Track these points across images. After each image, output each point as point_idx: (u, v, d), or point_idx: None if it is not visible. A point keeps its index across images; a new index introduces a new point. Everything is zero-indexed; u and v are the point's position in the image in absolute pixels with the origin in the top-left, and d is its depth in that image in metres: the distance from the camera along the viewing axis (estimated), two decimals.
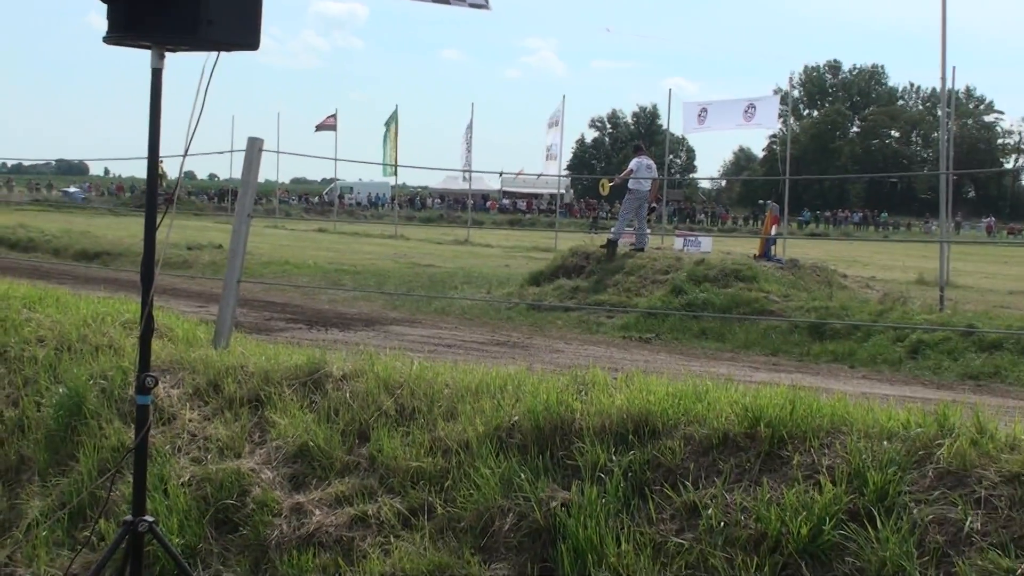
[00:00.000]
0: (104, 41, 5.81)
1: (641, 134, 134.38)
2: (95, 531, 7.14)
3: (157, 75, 5.90)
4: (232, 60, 5.99)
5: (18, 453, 8.17)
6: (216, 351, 8.74)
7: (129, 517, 6.13)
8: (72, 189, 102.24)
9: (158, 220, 6.07)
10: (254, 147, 9.42)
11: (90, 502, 7.40)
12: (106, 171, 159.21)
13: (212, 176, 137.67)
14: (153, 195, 6.06)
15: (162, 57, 5.86)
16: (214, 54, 5.94)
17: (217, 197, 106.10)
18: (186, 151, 6.22)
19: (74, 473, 7.70)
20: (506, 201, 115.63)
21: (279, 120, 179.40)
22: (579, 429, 6.57)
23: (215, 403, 7.98)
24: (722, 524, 5.66)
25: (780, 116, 45.48)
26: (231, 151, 25.44)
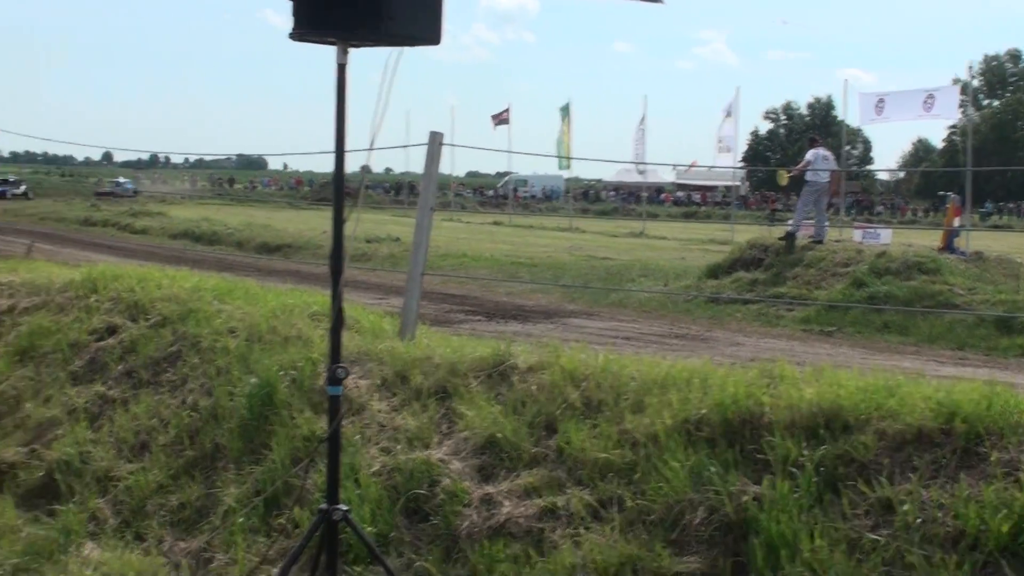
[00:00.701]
0: (290, 37, 5.93)
1: (816, 125, 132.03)
2: (289, 519, 7.29)
3: (342, 70, 6.00)
4: (406, 55, 6.06)
5: (213, 441, 8.37)
6: (403, 343, 8.85)
7: (324, 505, 6.25)
8: (121, 180, 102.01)
9: (345, 214, 6.15)
10: (435, 141, 9.50)
11: (284, 490, 7.55)
12: (284, 166, 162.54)
13: (387, 170, 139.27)
14: (340, 190, 6.17)
15: (346, 52, 5.95)
16: (397, 49, 6.02)
17: (394, 191, 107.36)
18: (371, 145, 6.31)
19: (267, 461, 7.86)
20: (680, 194, 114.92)
21: (453, 114, 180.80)
22: (768, 423, 6.50)
23: (403, 394, 8.07)
24: (919, 521, 5.55)
25: (960, 106, 44.23)
26: (406, 145, 25.73)
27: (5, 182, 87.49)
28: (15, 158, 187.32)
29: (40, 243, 22.64)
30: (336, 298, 6.10)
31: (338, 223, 6.09)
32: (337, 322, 6.18)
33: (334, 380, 6.18)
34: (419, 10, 5.84)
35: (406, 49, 6.00)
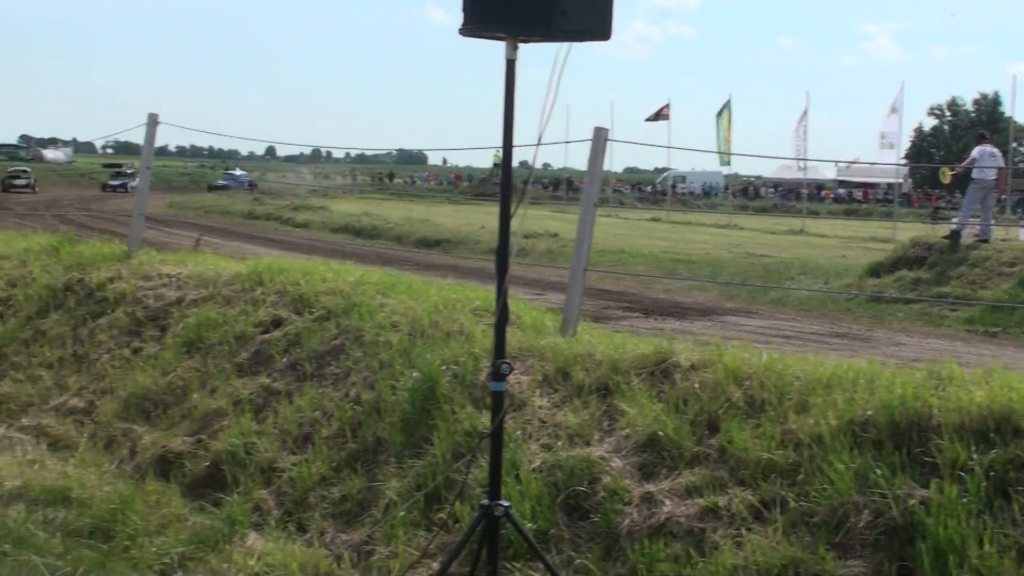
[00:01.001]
0: (460, 33, 5.95)
1: (982, 122, 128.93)
2: (450, 513, 7.31)
3: (511, 66, 6.00)
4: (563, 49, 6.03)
5: (375, 435, 8.43)
6: (564, 339, 8.82)
7: (485, 501, 6.25)
8: (237, 172, 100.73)
9: (512, 209, 6.14)
10: (600, 137, 9.45)
11: (445, 485, 7.57)
12: (444, 160, 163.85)
13: (546, 165, 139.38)
14: (508, 186, 6.15)
15: (516, 48, 5.96)
16: (566, 45, 6.00)
17: (552, 186, 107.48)
18: (539, 141, 6.28)
19: (429, 456, 7.89)
20: (841, 190, 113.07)
21: (612, 109, 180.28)
22: (936, 425, 6.36)
23: (564, 391, 8.05)
24: None
25: None
26: (572, 141, 25.78)
27: (121, 174, 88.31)
28: (181, 152, 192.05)
29: (205, 236, 23.08)
30: (501, 294, 6.11)
31: (505, 219, 6.09)
32: (502, 318, 6.18)
33: (498, 376, 6.17)
34: (590, 5, 5.82)
35: (574, 45, 5.97)
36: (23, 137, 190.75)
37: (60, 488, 8.93)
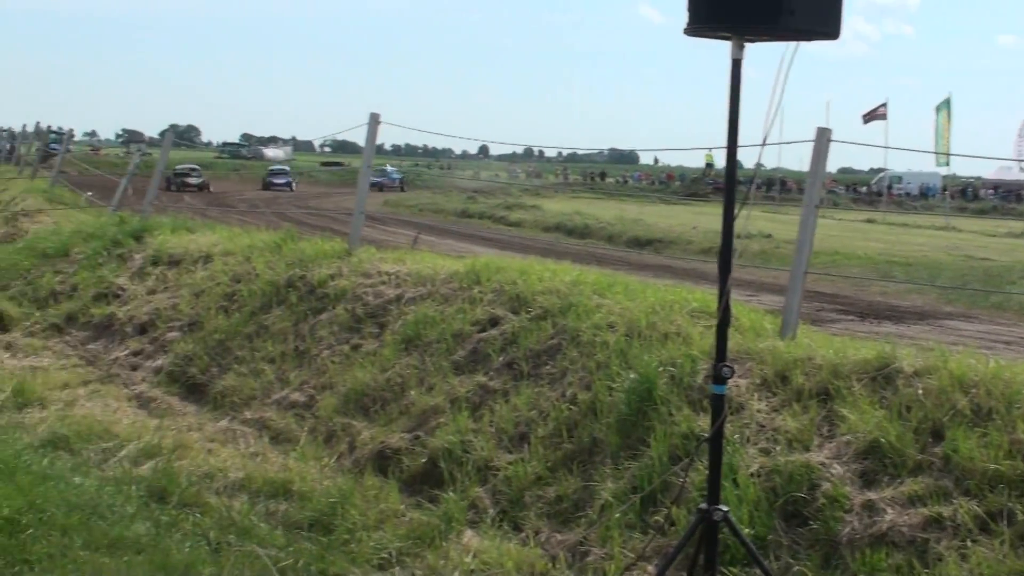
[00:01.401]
0: (684, 32, 5.92)
1: None
2: (666, 516, 7.26)
3: (737, 65, 5.94)
4: (776, 47, 5.93)
5: (591, 435, 8.41)
6: (783, 342, 8.68)
7: (704, 505, 6.19)
8: (389, 169, 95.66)
9: (736, 211, 6.05)
10: (823, 138, 9.28)
11: (661, 487, 7.52)
12: (655, 160, 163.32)
13: (759, 166, 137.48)
14: (732, 187, 6.07)
15: (742, 48, 5.89)
16: (792, 44, 5.90)
17: (765, 186, 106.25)
18: (764, 141, 6.20)
19: (645, 458, 7.85)
20: None
21: (828, 109, 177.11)
22: None
23: (783, 395, 7.92)
24: None
25: None
26: (795, 141, 25.39)
27: (283, 172, 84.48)
28: (396, 151, 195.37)
29: (420, 234, 23.46)
30: (723, 295, 6.03)
31: (728, 220, 6.00)
32: (724, 320, 6.11)
33: (719, 379, 6.09)
34: (818, 3, 5.70)
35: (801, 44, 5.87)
36: (244, 135, 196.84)
37: (281, 481, 9.13)
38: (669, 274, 23.78)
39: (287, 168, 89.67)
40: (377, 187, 73.73)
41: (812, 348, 8.39)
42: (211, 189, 72.51)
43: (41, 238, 20.55)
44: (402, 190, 76.99)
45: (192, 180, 73.10)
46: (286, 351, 11.91)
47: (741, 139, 6.05)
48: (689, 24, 5.81)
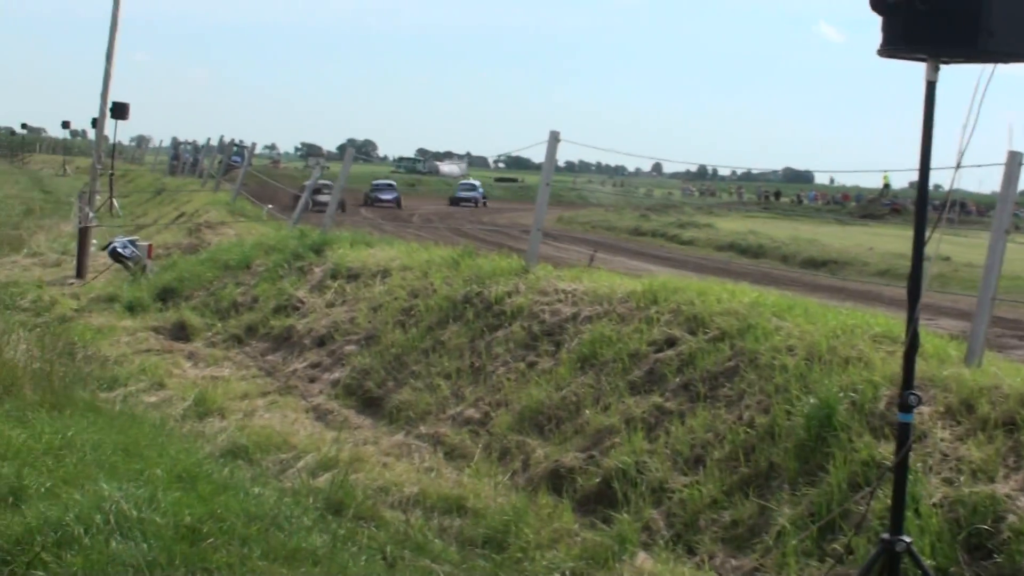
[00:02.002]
0: (878, 54, 5.84)
1: None
2: (844, 545, 7.11)
3: (931, 88, 5.84)
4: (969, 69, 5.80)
5: (768, 460, 8.29)
6: (968, 369, 8.45)
7: (886, 535, 6.06)
8: (474, 182, 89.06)
9: (927, 234, 5.92)
10: (1014, 161, 9.03)
11: (840, 515, 7.37)
12: (831, 180, 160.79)
13: (936, 187, 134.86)
14: (924, 210, 5.93)
15: (937, 69, 5.78)
16: (989, 66, 5.76)
17: (945, 207, 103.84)
18: (958, 164, 6.05)
19: (823, 484, 7.71)
20: None
21: (1010, 131, 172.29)
22: None
23: (968, 423, 7.71)
24: None
25: None
26: (983, 164, 24.64)
27: (472, 186, 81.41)
28: (570, 168, 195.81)
29: (591, 251, 23.47)
30: (912, 321, 5.88)
31: (919, 244, 5.86)
32: (912, 346, 5.97)
33: (905, 407, 5.95)
34: (1019, 24, 5.55)
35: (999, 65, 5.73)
36: (420, 151, 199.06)
37: (456, 497, 9.19)
38: (843, 296, 23.40)
39: (476, 183, 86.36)
40: (471, 202, 73.75)
41: (999, 376, 8.15)
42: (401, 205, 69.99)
43: (223, 250, 21.03)
44: (484, 205, 74.29)
45: (385, 197, 70.71)
46: (462, 367, 11.98)
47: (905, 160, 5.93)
48: (883, 45, 5.72)
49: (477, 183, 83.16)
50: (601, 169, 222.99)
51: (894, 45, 5.69)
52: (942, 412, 7.91)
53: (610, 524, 8.43)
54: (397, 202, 70.24)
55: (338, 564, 7.47)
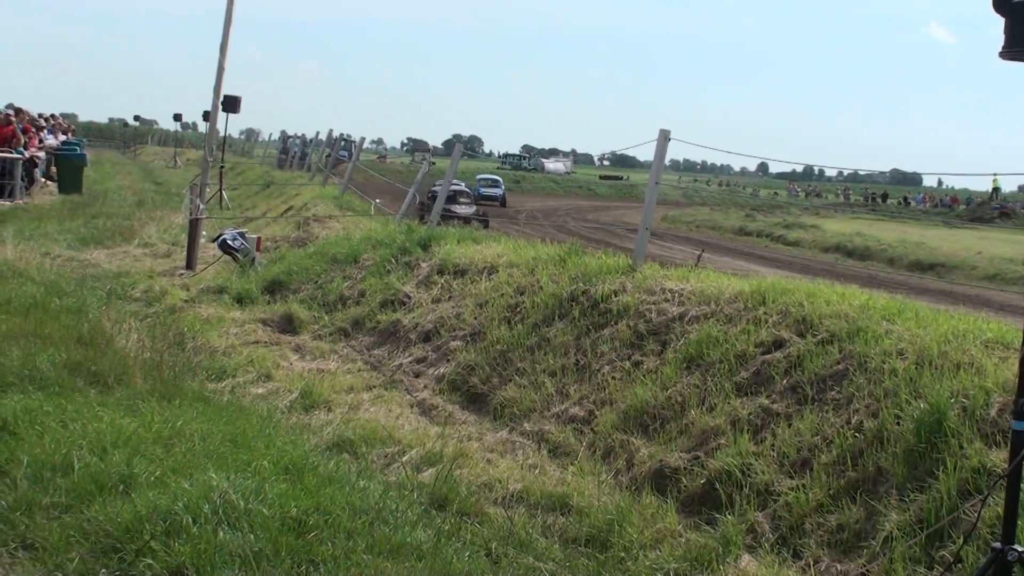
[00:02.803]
0: (1000, 56, 5.74)
1: None
2: (953, 553, 7.01)
3: None
4: None
5: (876, 464, 8.19)
6: None
7: (997, 544, 5.98)
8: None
9: None
10: None
11: (949, 522, 7.27)
12: (939, 182, 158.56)
13: None
14: None
15: None
16: None
17: None
18: None
19: (932, 491, 7.59)
20: None
21: None
22: None
23: None
24: None
25: None
26: None
27: (489, 182, 71.64)
28: (675, 166, 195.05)
29: (695, 251, 23.32)
30: None
31: None
32: None
33: (1020, 414, 5.86)
34: None
35: None
36: (525, 147, 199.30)
37: (559, 495, 9.19)
38: (951, 300, 23.06)
39: (499, 179, 76.73)
40: (496, 201, 65.12)
41: None
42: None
43: (331, 243, 21.22)
44: (503, 205, 65.34)
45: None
46: (567, 365, 11.98)
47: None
48: (1005, 47, 5.63)
49: (499, 179, 76.33)
50: (706, 168, 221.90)
51: (1018, 47, 5.60)
52: None
53: (714, 526, 8.38)
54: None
55: (442, 559, 7.49)
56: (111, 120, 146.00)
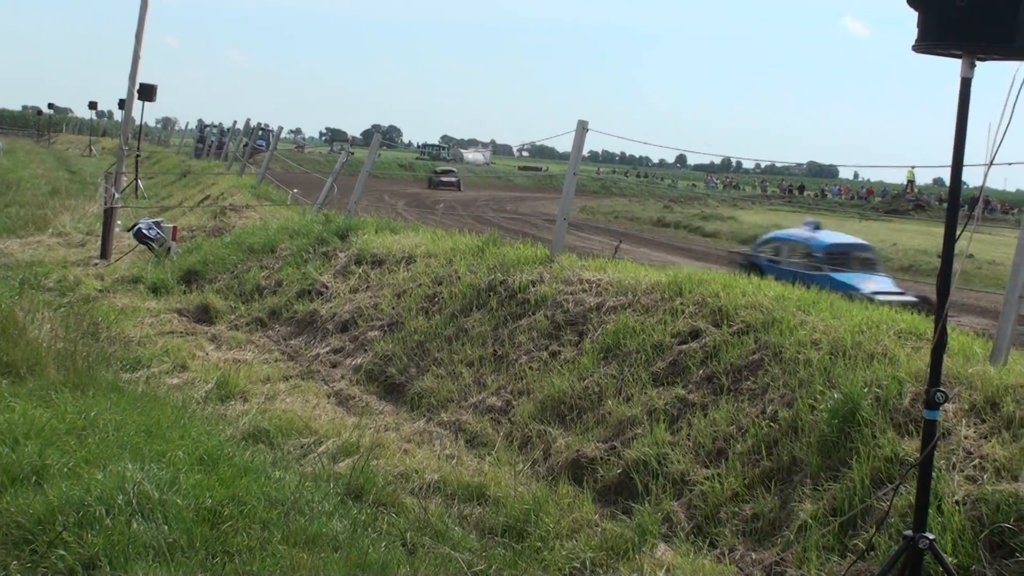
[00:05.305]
0: (913, 49, 5.83)
1: None
2: (866, 541, 7.09)
3: (966, 84, 5.82)
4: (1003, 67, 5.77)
5: (790, 454, 8.27)
6: (994, 367, 8.40)
7: (909, 532, 6.05)
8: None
9: (957, 232, 5.89)
10: None
11: (862, 511, 7.35)
12: (855, 175, 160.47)
13: (983, 188, 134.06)
14: (955, 207, 5.90)
15: (973, 66, 5.77)
16: None
17: (967, 206, 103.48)
18: (990, 162, 6.00)
19: (846, 480, 7.67)
20: None
21: None
22: None
23: (992, 422, 7.67)
24: None
25: None
26: (1009, 163, 24.47)
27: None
28: (593, 157, 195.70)
29: (614, 242, 23.41)
30: (941, 318, 5.86)
31: (949, 241, 5.84)
32: (940, 343, 5.94)
33: (932, 404, 5.93)
34: None
35: None
36: (444, 137, 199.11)
37: (476, 485, 9.19)
38: None
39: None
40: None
41: None
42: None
43: (248, 233, 21.06)
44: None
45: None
46: (484, 355, 11.97)
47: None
48: (918, 41, 5.70)
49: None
50: (625, 159, 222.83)
51: (930, 41, 5.68)
52: (967, 410, 7.86)
53: (631, 515, 8.41)
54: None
55: (358, 550, 7.47)
56: (24, 107, 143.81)
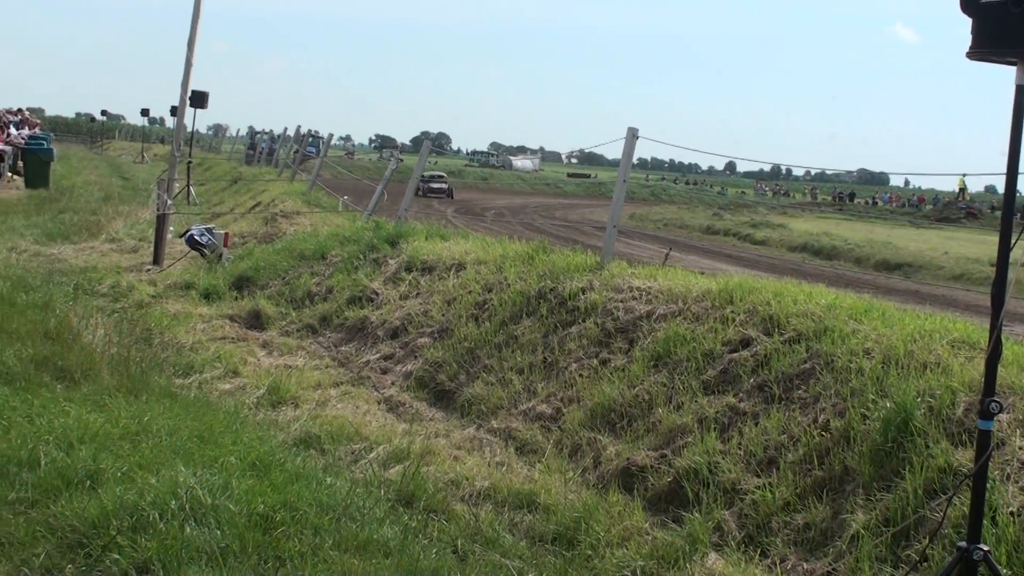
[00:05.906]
0: (967, 56, 5.78)
1: None
2: (919, 552, 7.04)
3: (1021, 92, 5.73)
4: None
5: (842, 463, 8.22)
6: None
7: (963, 543, 6.01)
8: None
9: (1012, 240, 5.84)
10: None
11: (915, 522, 7.30)
12: (906, 182, 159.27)
13: (988, 188, 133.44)
14: (1010, 214, 5.85)
15: None
16: None
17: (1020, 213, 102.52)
18: None
19: (899, 490, 7.62)
20: None
21: None
22: None
23: None
24: None
25: None
26: None
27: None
28: (642, 165, 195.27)
29: (663, 249, 23.33)
30: (995, 328, 5.82)
31: (1004, 250, 5.79)
32: (994, 353, 5.90)
33: (986, 414, 5.88)
34: None
35: None
36: (493, 144, 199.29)
37: (526, 492, 9.18)
38: (917, 299, 23.15)
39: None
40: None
41: None
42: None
43: (299, 240, 21.17)
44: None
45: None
46: (534, 362, 11.98)
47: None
48: (972, 47, 5.66)
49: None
50: (674, 167, 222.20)
51: (985, 48, 5.63)
52: (1021, 420, 7.79)
53: (681, 524, 8.39)
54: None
55: (409, 556, 7.49)
56: (78, 115, 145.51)
